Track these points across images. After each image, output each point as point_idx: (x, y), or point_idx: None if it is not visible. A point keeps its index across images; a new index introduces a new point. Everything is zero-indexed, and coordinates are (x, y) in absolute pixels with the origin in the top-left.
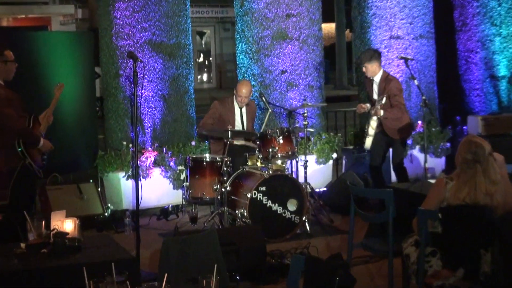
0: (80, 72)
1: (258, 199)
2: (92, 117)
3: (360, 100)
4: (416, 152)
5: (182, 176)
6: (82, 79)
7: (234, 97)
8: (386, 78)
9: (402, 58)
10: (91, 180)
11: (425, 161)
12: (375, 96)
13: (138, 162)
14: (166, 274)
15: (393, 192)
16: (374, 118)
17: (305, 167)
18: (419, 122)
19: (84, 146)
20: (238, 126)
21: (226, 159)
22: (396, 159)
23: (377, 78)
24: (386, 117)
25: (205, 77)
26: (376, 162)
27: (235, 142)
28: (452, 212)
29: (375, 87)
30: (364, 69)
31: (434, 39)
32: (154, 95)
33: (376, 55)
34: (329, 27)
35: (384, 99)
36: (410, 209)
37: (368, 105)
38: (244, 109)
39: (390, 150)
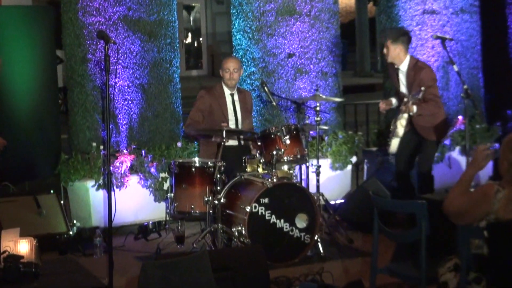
0: (38, 56)
1: (260, 213)
2: (53, 112)
3: (386, 91)
4: (455, 154)
5: (166, 186)
6: (41, 65)
7: (222, 81)
8: (415, 66)
9: (438, 37)
10: (52, 191)
11: (467, 165)
12: (402, 89)
13: (111, 168)
14: None
15: (427, 205)
16: (405, 115)
17: (318, 174)
18: (460, 117)
19: (43, 148)
20: (231, 119)
21: (219, 164)
22: (424, 164)
23: (403, 67)
24: (420, 114)
25: (193, 62)
26: (402, 168)
27: (229, 143)
28: (501, 228)
29: (402, 78)
30: (385, 49)
31: (478, 14)
32: (131, 84)
33: (404, 37)
34: (347, 0)
35: (421, 94)
36: (448, 226)
37: (393, 99)
38: (236, 97)
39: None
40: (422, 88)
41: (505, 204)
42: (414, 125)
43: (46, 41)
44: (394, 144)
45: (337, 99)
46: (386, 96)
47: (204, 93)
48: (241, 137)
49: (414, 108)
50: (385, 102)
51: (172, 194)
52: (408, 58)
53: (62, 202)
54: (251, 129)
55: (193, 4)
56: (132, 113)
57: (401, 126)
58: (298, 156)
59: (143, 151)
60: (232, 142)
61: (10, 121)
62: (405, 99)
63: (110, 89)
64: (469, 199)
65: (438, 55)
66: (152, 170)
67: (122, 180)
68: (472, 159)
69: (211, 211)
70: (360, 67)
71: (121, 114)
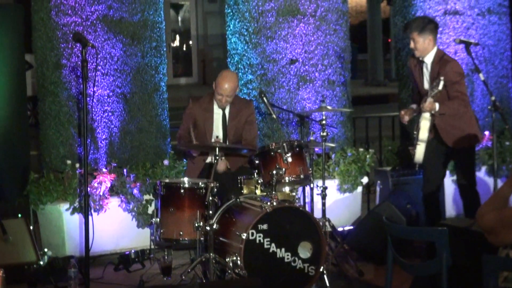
0: (4, 61)
1: (257, 241)
2: (21, 125)
3: (401, 102)
4: (482, 174)
5: (150, 209)
6: (7, 71)
7: (214, 95)
8: (442, 59)
9: (461, 42)
10: (19, 215)
11: (495, 188)
12: (426, 85)
13: (88, 189)
14: None
15: (449, 232)
16: (426, 115)
17: (324, 197)
18: (486, 132)
19: (9, 166)
20: (216, 136)
21: (212, 184)
22: (463, 180)
23: (428, 59)
24: (443, 113)
25: (182, 68)
26: (432, 186)
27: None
28: None
29: (426, 72)
30: (411, 42)
31: (508, 15)
32: (111, 94)
33: (430, 25)
34: None
35: (441, 83)
36: (472, 256)
37: (414, 106)
38: (227, 110)
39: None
40: (442, 78)
41: None
42: (438, 130)
43: (14, 44)
44: (420, 151)
45: (347, 110)
46: (402, 107)
47: (191, 104)
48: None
49: (436, 105)
50: (406, 111)
51: (158, 219)
52: (435, 49)
53: (31, 227)
54: (251, 144)
55: (182, 3)
56: (112, 126)
57: (424, 128)
58: (302, 176)
59: (124, 170)
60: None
61: None
62: (429, 92)
63: (88, 99)
64: (499, 218)
65: (461, 61)
66: (135, 191)
67: (100, 203)
68: (509, 175)
69: (202, 238)
70: (372, 75)
71: (99, 128)
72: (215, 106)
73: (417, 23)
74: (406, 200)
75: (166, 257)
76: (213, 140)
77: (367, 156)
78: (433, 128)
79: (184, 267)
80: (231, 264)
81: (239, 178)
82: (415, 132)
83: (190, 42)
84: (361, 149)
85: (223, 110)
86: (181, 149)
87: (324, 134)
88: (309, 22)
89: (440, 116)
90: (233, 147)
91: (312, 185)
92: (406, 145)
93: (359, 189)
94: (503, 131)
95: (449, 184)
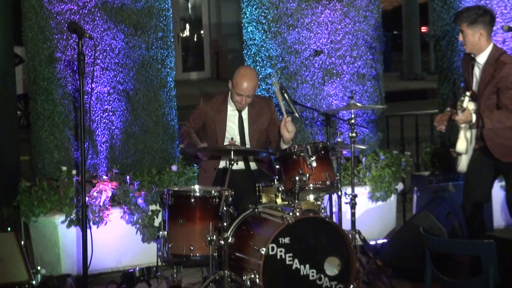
0: None
1: (278, 257)
2: (10, 127)
3: (442, 98)
4: None
5: (157, 221)
6: None
7: (230, 93)
8: (498, 60)
9: (510, 29)
10: (9, 228)
11: None
12: (475, 87)
13: (87, 198)
14: None
15: (497, 245)
16: (463, 125)
17: (353, 206)
18: None
19: None
20: (230, 139)
21: (226, 193)
22: None
23: (481, 59)
24: (482, 127)
25: (193, 61)
26: (473, 198)
27: (235, 167)
28: None
29: (477, 72)
30: (460, 35)
31: None
32: (112, 91)
33: (484, 18)
34: None
35: (467, 98)
36: None
37: (449, 110)
38: (245, 113)
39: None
40: (466, 94)
41: None
42: (486, 141)
43: (1, 36)
44: (463, 162)
45: (379, 107)
46: (441, 105)
47: (202, 103)
48: (251, 157)
49: (474, 117)
50: (441, 117)
51: (165, 232)
52: (490, 47)
53: (22, 242)
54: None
55: None
56: (113, 127)
57: (462, 139)
58: (328, 182)
59: (127, 177)
60: (236, 165)
61: None
62: (459, 103)
63: (86, 96)
64: None
65: (510, 52)
66: (140, 201)
67: (100, 214)
68: None
69: (215, 254)
70: (408, 68)
71: (99, 129)
72: (230, 107)
73: (469, 13)
74: (447, 209)
75: (175, 275)
76: (227, 142)
77: (403, 159)
78: (481, 138)
79: (195, 286)
80: (248, 283)
81: (257, 185)
82: (456, 143)
83: (202, 32)
84: (395, 152)
85: (240, 112)
86: (187, 150)
87: (353, 135)
88: (336, 8)
89: (479, 128)
90: (250, 150)
91: (340, 193)
92: (447, 147)
93: (394, 197)
94: None
95: (498, 190)
